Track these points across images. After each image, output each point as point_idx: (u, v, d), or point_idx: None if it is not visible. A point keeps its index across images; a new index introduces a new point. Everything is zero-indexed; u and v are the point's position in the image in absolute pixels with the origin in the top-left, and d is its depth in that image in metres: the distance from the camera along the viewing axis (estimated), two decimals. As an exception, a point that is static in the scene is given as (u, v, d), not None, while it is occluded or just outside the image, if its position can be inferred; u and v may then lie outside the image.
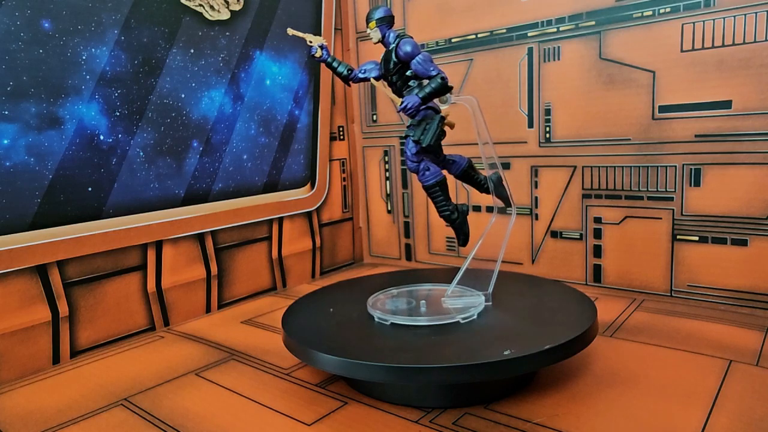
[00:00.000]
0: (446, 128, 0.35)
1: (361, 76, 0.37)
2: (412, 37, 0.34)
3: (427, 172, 0.34)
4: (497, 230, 0.53)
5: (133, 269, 0.42)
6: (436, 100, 0.33)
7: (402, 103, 0.33)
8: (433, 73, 0.32)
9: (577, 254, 0.49)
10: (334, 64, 0.37)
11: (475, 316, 0.32)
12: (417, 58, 0.33)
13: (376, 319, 0.33)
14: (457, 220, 0.34)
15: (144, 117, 0.42)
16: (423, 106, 0.33)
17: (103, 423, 0.29)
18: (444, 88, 0.32)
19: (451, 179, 0.35)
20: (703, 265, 0.43)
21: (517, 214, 0.34)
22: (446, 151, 0.36)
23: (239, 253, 0.50)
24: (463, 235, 0.36)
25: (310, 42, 0.37)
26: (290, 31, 0.39)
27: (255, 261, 0.52)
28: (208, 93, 0.47)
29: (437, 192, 0.34)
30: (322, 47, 0.37)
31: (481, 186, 0.37)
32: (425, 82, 0.33)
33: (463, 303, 0.33)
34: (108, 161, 0.40)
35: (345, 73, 0.37)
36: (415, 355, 0.28)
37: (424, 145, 0.33)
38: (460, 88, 0.53)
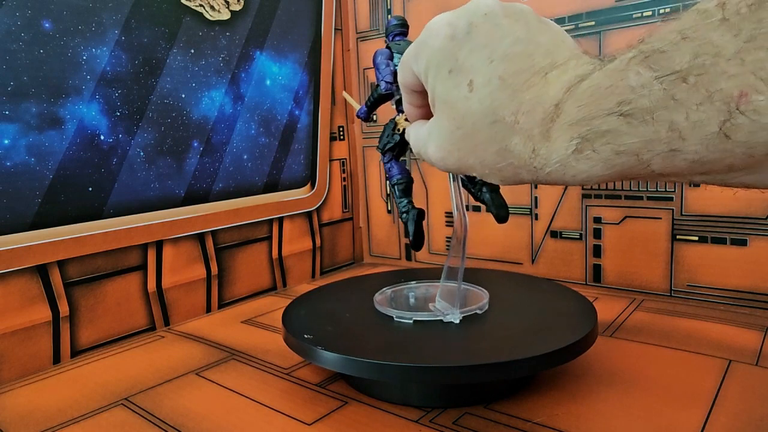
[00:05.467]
0: None
1: None
2: (389, 49, 0.35)
3: (390, 172, 0.36)
4: (495, 231, 0.53)
5: (134, 269, 0.42)
6: None
7: (357, 111, 0.37)
8: (378, 81, 0.35)
9: (576, 254, 0.49)
10: None
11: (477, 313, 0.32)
12: (376, 68, 0.35)
13: (378, 309, 0.34)
14: (406, 222, 0.35)
15: (144, 117, 0.42)
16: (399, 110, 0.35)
17: (103, 423, 0.29)
18: (381, 97, 0.35)
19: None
20: (702, 265, 0.43)
21: (511, 214, 0.33)
22: None
23: (239, 253, 0.50)
24: (410, 237, 0.35)
25: None
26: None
27: (255, 261, 0.52)
28: (209, 93, 0.47)
29: (395, 191, 0.36)
30: None
31: (475, 193, 0.36)
32: None
33: (456, 306, 0.33)
34: (108, 161, 0.40)
35: None
36: (415, 354, 0.28)
37: (378, 148, 0.36)
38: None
